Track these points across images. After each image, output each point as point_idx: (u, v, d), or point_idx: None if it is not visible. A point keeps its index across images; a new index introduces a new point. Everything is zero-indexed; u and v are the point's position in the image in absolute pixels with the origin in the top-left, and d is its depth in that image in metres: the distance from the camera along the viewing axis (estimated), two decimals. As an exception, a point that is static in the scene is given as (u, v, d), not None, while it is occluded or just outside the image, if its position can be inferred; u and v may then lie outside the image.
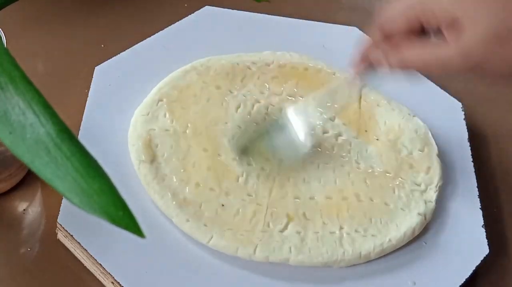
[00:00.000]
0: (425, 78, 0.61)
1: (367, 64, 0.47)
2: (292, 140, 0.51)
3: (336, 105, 0.52)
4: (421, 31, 0.43)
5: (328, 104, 0.52)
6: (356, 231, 0.48)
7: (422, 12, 0.42)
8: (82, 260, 0.49)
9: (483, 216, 0.52)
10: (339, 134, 0.54)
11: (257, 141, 0.53)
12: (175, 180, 0.50)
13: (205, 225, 0.48)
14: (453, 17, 0.41)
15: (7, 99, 0.32)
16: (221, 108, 0.55)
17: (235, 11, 0.67)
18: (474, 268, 0.49)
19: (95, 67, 0.59)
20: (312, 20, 0.67)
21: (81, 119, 0.54)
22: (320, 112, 0.51)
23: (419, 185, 0.52)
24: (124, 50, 0.61)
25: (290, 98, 0.57)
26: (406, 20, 0.43)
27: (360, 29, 0.66)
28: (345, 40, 0.65)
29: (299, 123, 0.51)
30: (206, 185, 0.50)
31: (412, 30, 0.43)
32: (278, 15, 0.67)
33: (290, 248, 0.47)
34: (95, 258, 0.46)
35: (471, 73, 0.42)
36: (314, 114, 0.52)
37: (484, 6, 0.40)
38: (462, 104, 0.61)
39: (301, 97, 0.57)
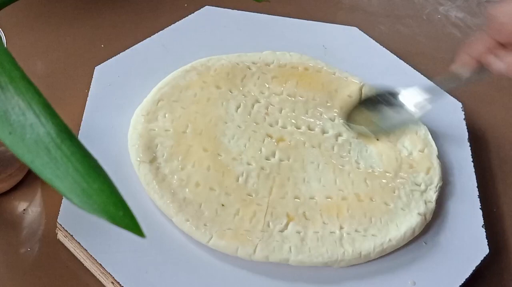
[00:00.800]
0: (426, 78, 0.61)
1: (478, 65, 0.48)
2: (402, 109, 0.53)
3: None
4: None
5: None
6: (356, 231, 0.48)
7: None
8: (82, 260, 0.49)
9: (483, 216, 0.52)
10: (339, 134, 0.54)
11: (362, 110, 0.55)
12: (175, 180, 0.50)
13: (205, 225, 0.48)
14: None
15: (7, 99, 0.32)
16: (221, 108, 0.55)
17: (235, 11, 0.67)
18: (474, 268, 0.49)
19: (95, 67, 0.59)
20: (312, 20, 0.67)
21: (81, 119, 0.54)
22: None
23: (419, 185, 0.52)
24: (124, 50, 0.61)
25: (290, 98, 0.57)
26: None
27: (360, 29, 0.66)
28: (345, 40, 0.65)
29: (408, 99, 0.53)
30: (206, 185, 0.50)
31: None
32: (278, 15, 0.67)
33: (290, 248, 0.47)
34: (95, 258, 0.46)
35: None
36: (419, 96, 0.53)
37: None
38: (462, 104, 0.61)
39: (301, 97, 0.57)
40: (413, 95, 0.54)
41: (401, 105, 0.53)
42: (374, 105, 0.54)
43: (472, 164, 0.56)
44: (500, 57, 0.45)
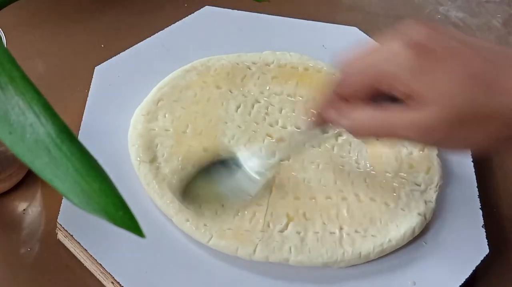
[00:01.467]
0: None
1: (322, 121, 0.45)
2: (244, 178, 0.48)
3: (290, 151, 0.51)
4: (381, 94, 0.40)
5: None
6: (356, 231, 0.48)
7: (379, 83, 0.39)
8: (82, 260, 0.49)
9: (483, 216, 0.52)
10: (339, 134, 0.54)
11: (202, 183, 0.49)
12: (175, 180, 0.50)
13: (205, 225, 0.48)
14: (416, 93, 0.38)
15: (7, 100, 0.32)
16: (221, 108, 0.55)
17: (235, 11, 0.67)
18: (474, 268, 0.49)
19: (95, 67, 0.59)
20: (312, 20, 0.67)
21: (81, 119, 0.54)
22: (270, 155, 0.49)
23: (419, 185, 0.52)
24: (124, 50, 0.61)
25: (290, 98, 0.57)
26: (362, 87, 0.40)
27: (360, 29, 0.66)
28: (345, 40, 0.65)
29: (250, 164, 0.48)
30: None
31: (369, 95, 0.41)
32: (278, 15, 0.67)
33: (290, 248, 0.47)
34: (95, 258, 0.46)
35: (422, 142, 0.42)
36: (264, 156, 0.49)
37: (452, 84, 0.37)
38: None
39: (301, 97, 0.57)
40: (254, 159, 0.49)
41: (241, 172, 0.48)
42: (214, 173, 0.49)
43: (472, 164, 0.56)
44: (343, 113, 0.42)
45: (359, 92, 0.41)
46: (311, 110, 0.45)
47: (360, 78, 0.40)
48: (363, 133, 0.42)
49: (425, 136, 0.38)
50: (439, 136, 0.38)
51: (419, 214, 0.50)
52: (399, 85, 0.38)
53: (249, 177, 0.48)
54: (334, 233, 0.48)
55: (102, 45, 0.66)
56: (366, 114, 0.40)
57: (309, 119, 0.46)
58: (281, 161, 0.50)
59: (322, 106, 0.44)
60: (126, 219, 0.30)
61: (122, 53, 0.60)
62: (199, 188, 0.48)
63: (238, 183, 0.48)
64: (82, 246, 0.47)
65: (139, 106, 0.55)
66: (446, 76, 0.37)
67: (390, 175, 0.52)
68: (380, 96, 0.40)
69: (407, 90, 0.38)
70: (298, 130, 0.54)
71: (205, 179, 0.48)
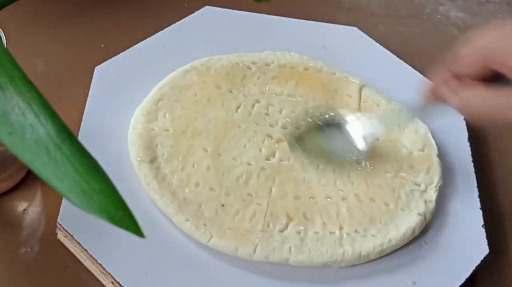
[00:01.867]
0: (426, 78, 0.61)
1: (435, 98, 0.46)
2: (349, 142, 0.51)
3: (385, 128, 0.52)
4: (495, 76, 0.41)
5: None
6: (356, 231, 0.48)
7: (491, 61, 0.40)
8: (82, 260, 0.49)
9: (483, 216, 0.52)
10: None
11: (313, 135, 0.52)
12: (175, 180, 0.50)
13: (205, 225, 0.48)
14: None
15: (7, 100, 0.32)
16: (221, 108, 0.55)
17: (235, 11, 0.67)
18: (474, 268, 0.49)
19: (95, 67, 0.59)
20: (312, 20, 0.67)
21: (81, 119, 0.54)
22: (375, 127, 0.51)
23: (419, 185, 0.52)
24: (124, 50, 0.61)
25: (290, 98, 0.57)
26: (474, 66, 0.41)
27: (360, 29, 0.66)
28: (345, 40, 0.65)
29: (356, 130, 0.51)
30: (206, 185, 0.50)
31: (484, 75, 0.41)
32: (278, 15, 0.67)
33: (290, 248, 0.47)
34: (95, 258, 0.46)
35: None
36: (370, 126, 0.51)
37: None
38: (462, 104, 0.61)
39: (301, 97, 0.57)
40: (364, 125, 0.51)
41: (350, 137, 0.51)
42: (328, 130, 0.52)
43: (472, 164, 0.56)
44: (455, 91, 0.42)
45: (472, 72, 0.41)
46: (426, 88, 0.46)
47: (473, 57, 0.41)
48: (473, 113, 0.42)
49: None
50: None
51: (419, 214, 0.50)
52: (509, 61, 0.38)
53: (355, 141, 0.51)
54: (334, 233, 0.48)
55: (102, 45, 0.66)
56: (477, 94, 0.41)
57: (424, 96, 0.46)
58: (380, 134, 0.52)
59: (435, 83, 0.45)
60: (126, 219, 0.30)
61: (122, 53, 0.60)
62: (309, 140, 0.51)
63: (345, 144, 0.51)
64: (82, 246, 0.47)
65: (139, 106, 0.55)
66: None
67: (390, 175, 0.52)
68: (495, 78, 0.40)
69: None
70: (299, 130, 0.54)
71: (315, 135, 0.52)
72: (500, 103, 0.39)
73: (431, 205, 0.51)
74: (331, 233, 0.48)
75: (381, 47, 0.65)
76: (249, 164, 0.51)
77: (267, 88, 0.57)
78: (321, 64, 0.60)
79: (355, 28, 0.66)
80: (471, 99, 0.41)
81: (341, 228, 0.48)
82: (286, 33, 0.65)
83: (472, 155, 0.57)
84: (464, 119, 0.59)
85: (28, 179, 0.54)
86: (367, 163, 0.53)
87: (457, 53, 0.42)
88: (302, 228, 0.48)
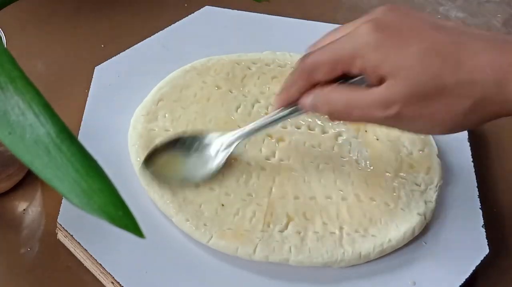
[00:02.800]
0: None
1: (291, 103, 0.45)
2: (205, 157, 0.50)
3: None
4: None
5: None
6: (356, 231, 0.48)
7: (347, 65, 0.40)
8: (82, 260, 0.49)
9: (483, 216, 0.52)
10: (339, 134, 0.54)
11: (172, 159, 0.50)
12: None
13: (205, 225, 0.48)
14: (382, 73, 0.38)
15: (7, 100, 0.32)
16: (221, 108, 0.55)
17: (235, 11, 0.67)
18: (474, 268, 0.49)
19: (95, 67, 0.59)
20: (312, 20, 0.67)
21: (81, 119, 0.54)
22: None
23: (419, 185, 0.52)
24: (124, 50, 0.61)
25: (290, 98, 0.57)
26: (330, 70, 0.41)
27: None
28: (345, 40, 0.65)
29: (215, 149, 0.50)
30: (206, 185, 0.50)
31: (336, 77, 0.42)
32: (278, 15, 0.67)
33: (290, 248, 0.47)
34: (95, 258, 0.46)
35: (388, 123, 0.40)
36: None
37: (412, 58, 0.38)
38: (462, 104, 0.60)
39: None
40: (221, 139, 0.50)
41: (207, 152, 0.50)
42: (179, 148, 0.50)
43: (472, 164, 0.56)
44: (321, 97, 0.42)
45: (328, 76, 0.42)
46: (282, 93, 0.46)
47: (327, 61, 0.41)
48: (335, 106, 0.42)
49: (387, 111, 0.39)
50: (404, 113, 0.38)
51: (419, 214, 0.50)
52: (360, 62, 0.39)
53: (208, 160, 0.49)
54: (334, 233, 0.48)
55: (102, 45, 0.66)
56: (337, 90, 0.41)
57: (278, 102, 0.46)
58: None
59: (294, 95, 0.44)
60: (126, 219, 0.30)
61: (122, 53, 0.60)
62: (164, 160, 0.49)
63: (196, 164, 0.49)
64: (82, 246, 0.47)
65: (139, 106, 0.55)
66: (406, 52, 0.38)
67: (390, 175, 0.52)
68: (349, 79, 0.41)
69: (367, 66, 0.39)
70: (299, 130, 0.54)
71: (171, 154, 0.50)
72: (354, 102, 0.40)
73: (431, 205, 0.51)
74: (331, 233, 0.48)
75: (381, 47, 0.65)
76: (249, 164, 0.51)
77: (267, 88, 0.57)
78: (321, 64, 0.60)
79: (355, 28, 0.66)
80: (330, 94, 0.42)
81: (341, 228, 0.48)
82: (286, 33, 0.65)
83: (472, 155, 0.57)
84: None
85: (28, 179, 0.54)
86: (367, 162, 0.53)
87: (312, 60, 0.42)
88: (302, 228, 0.48)
